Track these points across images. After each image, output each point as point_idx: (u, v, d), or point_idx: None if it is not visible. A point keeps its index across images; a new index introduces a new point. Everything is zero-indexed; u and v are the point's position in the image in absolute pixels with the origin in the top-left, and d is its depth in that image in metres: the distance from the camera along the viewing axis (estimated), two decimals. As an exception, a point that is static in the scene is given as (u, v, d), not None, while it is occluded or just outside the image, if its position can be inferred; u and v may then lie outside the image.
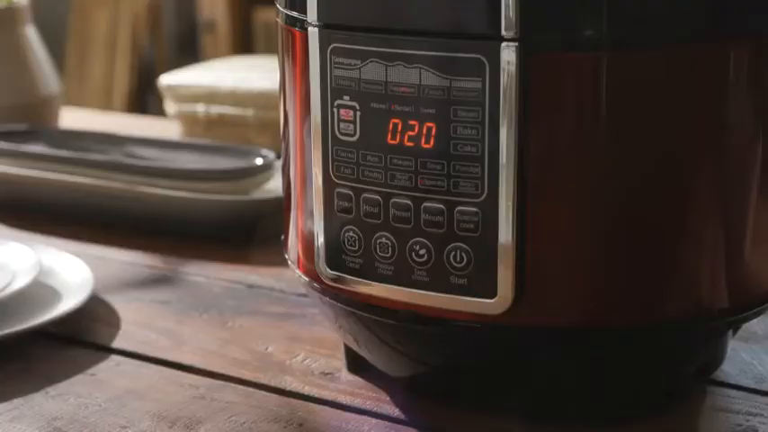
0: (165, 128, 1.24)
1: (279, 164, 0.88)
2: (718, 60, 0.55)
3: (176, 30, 3.24)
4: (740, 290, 0.59)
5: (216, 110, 1.13)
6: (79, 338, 0.73)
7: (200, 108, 1.14)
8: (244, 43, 2.95)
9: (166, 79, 1.17)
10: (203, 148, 0.99)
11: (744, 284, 0.59)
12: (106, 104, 2.93)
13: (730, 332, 0.63)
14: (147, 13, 3.10)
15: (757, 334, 0.70)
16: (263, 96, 1.11)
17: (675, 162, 0.56)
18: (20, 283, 0.75)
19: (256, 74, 1.15)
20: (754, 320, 0.62)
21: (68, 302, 0.74)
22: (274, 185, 0.92)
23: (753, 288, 0.59)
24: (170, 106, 1.17)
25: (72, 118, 1.27)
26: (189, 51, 3.11)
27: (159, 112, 1.28)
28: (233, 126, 1.13)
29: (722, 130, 0.56)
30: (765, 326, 0.71)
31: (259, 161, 0.93)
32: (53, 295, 0.76)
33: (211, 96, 1.13)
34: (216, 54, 2.85)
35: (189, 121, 1.15)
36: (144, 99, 3.09)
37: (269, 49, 2.81)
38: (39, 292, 0.76)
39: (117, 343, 0.73)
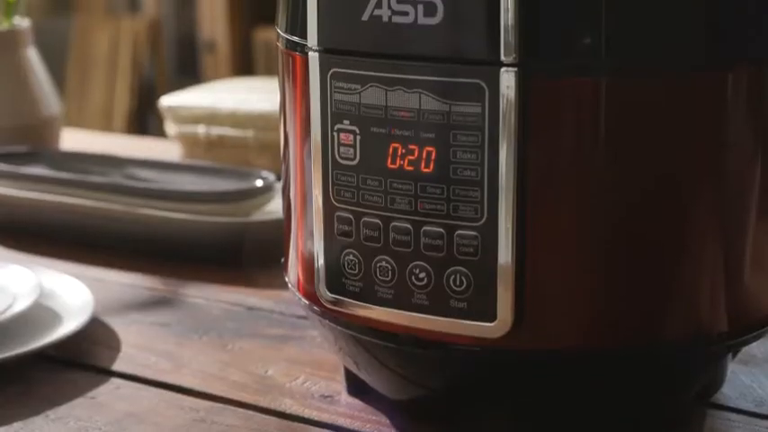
0: (166, 149, 1.24)
1: (279, 186, 0.88)
2: (717, 86, 0.55)
3: (176, 50, 3.25)
4: (740, 313, 0.59)
5: (216, 131, 1.14)
6: (79, 361, 0.73)
7: (201, 129, 1.14)
8: (244, 63, 2.96)
9: (167, 100, 1.17)
10: (203, 170, 0.99)
11: (743, 307, 0.59)
12: (106, 125, 2.93)
13: (730, 355, 0.63)
14: (148, 34, 3.12)
15: (757, 357, 0.70)
16: (264, 118, 1.11)
17: (674, 186, 0.56)
18: (20, 305, 0.75)
19: (256, 95, 1.16)
20: (754, 343, 0.62)
21: (69, 325, 0.74)
22: (274, 207, 0.92)
23: (752, 311, 0.59)
24: (170, 127, 1.17)
25: (73, 139, 1.27)
26: (189, 71, 3.12)
27: (160, 132, 1.28)
28: (233, 147, 1.13)
29: (721, 154, 0.56)
30: (765, 349, 0.71)
31: (259, 183, 0.94)
32: (53, 318, 0.76)
33: (212, 118, 1.14)
34: (216, 74, 2.86)
35: (189, 142, 1.16)
36: (144, 119, 3.09)
37: (269, 69, 2.82)
38: (39, 314, 0.76)
39: (117, 366, 0.73)
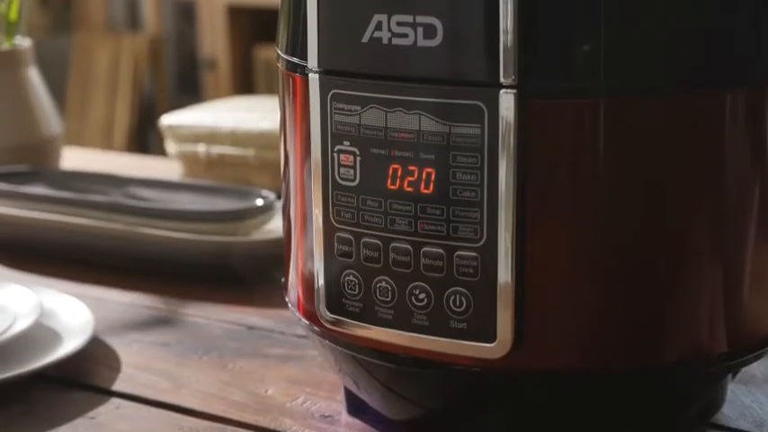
0: (166, 168, 1.24)
1: (279, 204, 0.88)
2: (715, 107, 0.55)
3: (177, 68, 3.25)
4: (739, 333, 0.59)
5: (216, 150, 1.14)
6: (80, 381, 0.73)
7: (201, 148, 1.15)
8: (245, 81, 2.97)
9: (167, 119, 1.18)
10: (204, 189, 1.00)
11: (743, 328, 0.59)
12: (107, 143, 2.94)
13: (730, 375, 0.63)
14: (148, 51, 3.12)
15: (757, 377, 0.70)
16: (264, 137, 1.12)
17: (673, 206, 0.56)
18: (21, 325, 0.75)
19: (257, 114, 1.16)
20: (754, 363, 0.62)
21: (69, 345, 0.74)
22: (275, 226, 0.92)
23: (752, 331, 0.60)
24: (171, 146, 1.17)
25: (73, 158, 1.27)
26: (190, 89, 3.13)
27: (160, 149, 1.28)
28: (234, 166, 1.13)
29: (719, 175, 0.57)
30: (765, 369, 0.71)
31: (259, 202, 0.94)
32: (54, 337, 0.76)
33: (212, 136, 1.14)
34: (217, 91, 2.87)
35: (190, 160, 1.16)
36: (145, 137, 3.10)
37: (270, 87, 2.83)
38: (39, 334, 0.76)
39: (117, 386, 0.73)
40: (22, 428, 0.67)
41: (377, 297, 0.58)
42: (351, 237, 0.59)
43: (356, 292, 0.59)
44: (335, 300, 0.60)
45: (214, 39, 2.92)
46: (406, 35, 0.55)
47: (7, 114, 1.12)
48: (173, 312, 0.85)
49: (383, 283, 0.58)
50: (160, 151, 1.37)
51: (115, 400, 0.71)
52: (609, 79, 0.54)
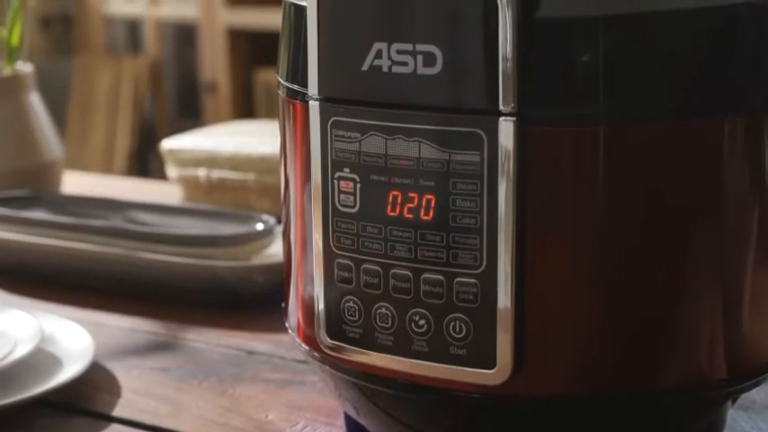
0: (167, 191, 1.24)
1: (279, 229, 0.89)
2: (713, 134, 0.56)
3: (178, 90, 3.26)
4: (739, 359, 0.59)
5: (217, 174, 1.14)
6: (80, 407, 0.73)
7: (202, 172, 1.15)
8: (245, 103, 2.97)
9: (168, 144, 1.18)
10: (204, 214, 1.00)
11: (742, 354, 0.59)
12: (108, 166, 2.94)
13: (730, 401, 0.63)
14: (149, 74, 3.13)
15: (756, 403, 0.70)
16: (264, 161, 1.12)
17: (673, 232, 0.56)
18: (21, 351, 0.75)
19: (257, 139, 1.17)
20: (754, 390, 0.62)
21: (69, 370, 0.74)
22: (275, 251, 0.93)
23: (751, 357, 0.60)
24: (171, 170, 1.18)
25: (74, 182, 1.28)
26: (190, 112, 3.13)
27: (160, 171, 1.29)
28: (234, 190, 1.14)
29: (718, 201, 0.57)
30: (765, 395, 0.71)
31: (260, 227, 0.94)
32: (54, 363, 0.76)
33: (212, 161, 1.14)
34: (217, 114, 2.87)
35: (190, 184, 1.16)
36: (145, 160, 3.10)
37: (270, 109, 2.83)
38: (40, 359, 0.76)
39: (117, 411, 0.73)
40: (22, 454, 0.67)
41: (377, 323, 0.59)
42: (351, 263, 0.59)
43: (356, 318, 0.59)
44: (335, 326, 0.60)
45: (214, 62, 2.93)
46: (405, 63, 0.55)
47: (8, 139, 1.12)
48: (173, 337, 0.85)
49: (383, 310, 0.58)
50: (161, 175, 1.38)
51: (115, 426, 0.71)
52: (607, 107, 0.54)
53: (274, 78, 0.64)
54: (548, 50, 0.54)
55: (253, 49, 2.92)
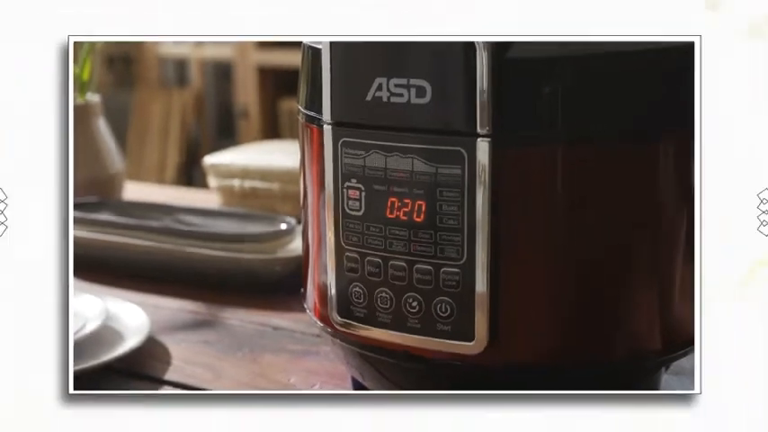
0: (208, 198, 1.24)
1: (299, 229, 0.89)
2: (650, 152, 0.56)
3: (217, 116, 3.26)
4: (671, 335, 0.59)
5: (249, 184, 1.14)
6: (138, 372, 0.73)
7: (236, 182, 1.15)
8: (272, 127, 2.97)
9: (209, 159, 1.18)
10: (238, 216, 1.00)
11: (674, 331, 0.59)
12: (160, 178, 2.94)
13: (664, 368, 0.63)
14: (194, 104, 3.13)
15: (686, 369, 0.70)
16: (287, 173, 1.12)
17: (620, 232, 0.56)
18: (91, 327, 0.75)
19: (281, 155, 1.16)
20: (683, 358, 0.62)
21: (129, 342, 0.74)
22: (296, 246, 0.92)
23: (681, 333, 0.60)
24: (212, 180, 1.17)
25: (133, 190, 1.27)
26: (227, 133, 3.13)
27: (203, 182, 1.28)
28: (262, 197, 1.13)
29: (655, 208, 0.57)
30: (691, 362, 0.71)
31: (284, 226, 0.94)
32: (117, 337, 0.76)
33: (245, 173, 1.14)
34: (249, 135, 2.87)
35: (227, 192, 1.16)
36: (191, 173, 3.10)
37: (292, 132, 2.83)
38: (106, 333, 0.76)
39: (168, 376, 0.73)
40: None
41: (378, 305, 0.59)
42: (357, 256, 0.59)
43: (361, 300, 0.59)
44: (345, 306, 0.60)
45: (247, 93, 2.93)
46: (401, 94, 0.55)
47: (81, 156, 1.12)
48: (213, 316, 0.85)
49: (383, 294, 0.58)
50: (203, 185, 1.38)
51: (167, 388, 0.71)
52: (565, 130, 0.54)
53: (296, 107, 0.64)
54: (516, 84, 0.54)
55: (278, 83, 2.92)
